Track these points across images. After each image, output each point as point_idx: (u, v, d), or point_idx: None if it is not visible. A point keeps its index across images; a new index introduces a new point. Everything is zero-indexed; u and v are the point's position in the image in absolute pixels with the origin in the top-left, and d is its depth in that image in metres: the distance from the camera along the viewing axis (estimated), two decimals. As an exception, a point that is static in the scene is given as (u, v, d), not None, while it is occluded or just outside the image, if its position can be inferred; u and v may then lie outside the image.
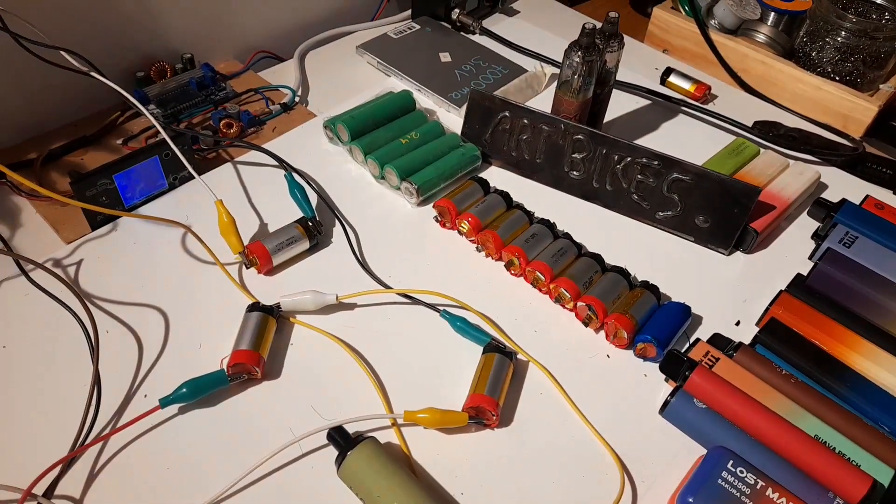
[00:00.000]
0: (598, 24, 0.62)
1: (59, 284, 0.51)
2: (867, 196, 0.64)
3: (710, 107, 0.79)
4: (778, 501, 0.40)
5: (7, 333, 0.50)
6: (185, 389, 0.46)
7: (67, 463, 0.43)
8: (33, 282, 0.53)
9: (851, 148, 0.73)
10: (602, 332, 0.54)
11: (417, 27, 0.84)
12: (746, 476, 0.41)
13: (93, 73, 0.57)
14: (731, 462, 0.42)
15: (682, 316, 0.53)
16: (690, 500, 0.41)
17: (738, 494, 0.40)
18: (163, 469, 0.44)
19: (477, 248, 0.60)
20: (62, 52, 0.56)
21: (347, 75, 0.79)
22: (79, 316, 0.49)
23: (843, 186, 0.69)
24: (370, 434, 0.45)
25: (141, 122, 0.68)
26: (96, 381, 0.46)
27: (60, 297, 0.52)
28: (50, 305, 0.52)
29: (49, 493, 0.42)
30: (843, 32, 0.77)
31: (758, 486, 0.41)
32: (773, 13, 0.85)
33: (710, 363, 0.48)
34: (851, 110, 0.77)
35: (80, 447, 0.44)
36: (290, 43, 0.82)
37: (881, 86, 0.79)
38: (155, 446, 0.45)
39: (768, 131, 0.74)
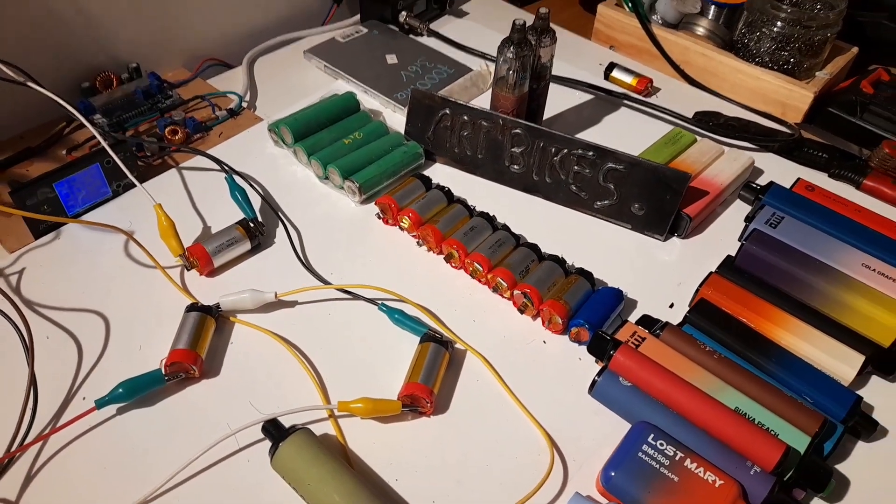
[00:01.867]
0: (530, 21, 0.63)
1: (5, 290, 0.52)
2: (798, 179, 0.66)
3: (652, 99, 0.81)
4: (696, 471, 0.41)
5: (-53, 342, 0.51)
6: (121, 390, 0.47)
7: (3, 465, 0.44)
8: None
9: (787, 134, 0.75)
10: (538, 319, 0.55)
11: (365, 30, 0.85)
12: (666, 448, 0.42)
13: (29, 84, 0.58)
14: (651, 436, 0.43)
15: (615, 300, 0.55)
16: (612, 473, 0.42)
17: (657, 466, 0.42)
18: (100, 468, 0.45)
19: (418, 242, 0.61)
20: (-2, 64, 0.57)
21: (295, 80, 0.80)
22: (13, 320, 0.50)
23: (780, 171, 0.71)
24: (307, 427, 0.46)
25: (86, 133, 0.69)
26: (32, 383, 0.47)
27: (3, 304, 0.52)
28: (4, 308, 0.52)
29: (-17, 494, 0.43)
30: (779, 23, 0.79)
31: (677, 458, 0.42)
32: (712, 7, 0.87)
33: (637, 343, 0.49)
34: (789, 98, 0.79)
35: (17, 448, 0.44)
36: (239, 50, 0.83)
37: (817, 73, 0.81)
38: (93, 447, 0.46)
39: (708, 121, 0.76)
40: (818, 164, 0.72)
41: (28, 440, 0.45)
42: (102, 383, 0.49)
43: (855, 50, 0.85)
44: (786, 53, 0.80)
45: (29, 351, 0.48)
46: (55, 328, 0.52)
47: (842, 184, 0.70)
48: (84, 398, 0.48)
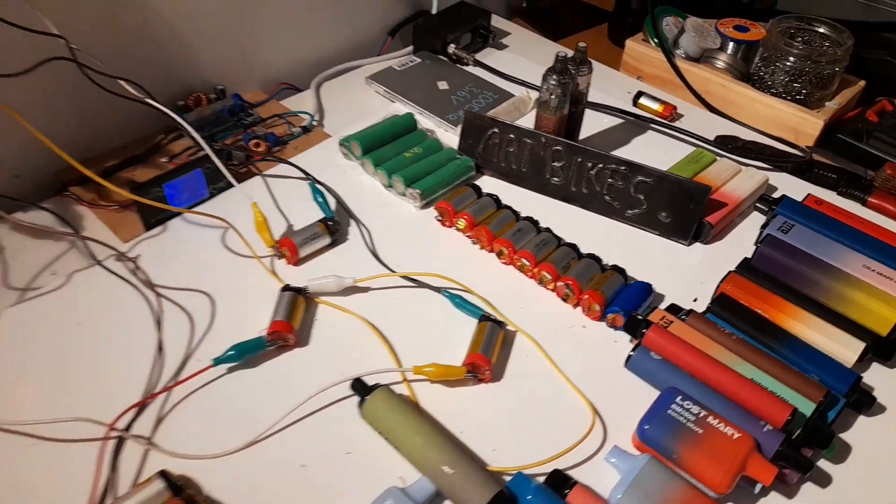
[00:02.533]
0: (570, 53, 0.73)
1: (123, 273, 0.61)
2: (808, 194, 0.74)
3: (676, 124, 0.90)
4: (717, 426, 0.49)
5: (80, 313, 0.60)
6: (232, 351, 0.56)
7: (140, 408, 0.53)
8: (108, 269, 0.63)
9: (800, 156, 0.83)
10: (578, 308, 0.64)
11: (418, 60, 0.96)
12: (692, 408, 0.51)
13: (148, 101, 0.68)
14: (679, 397, 0.51)
15: (645, 292, 0.63)
16: (646, 427, 0.50)
17: (684, 421, 0.50)
18: (214, 415, 0.54)
19: (472, 241, 0.70)
20: (121, 82, 0.68)
21: (357, 102, 0.90)
22: (145, 295, 0.59)
23: (792, 189, 0.79)
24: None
25: (182, 144, 0.79)
26: (160, 349, 0.57)
27: (122, 284, 0.62)
28: (117, 289, 0.62)
29: (127, 429, 0.52)
30: (792, 58, 0.88)
31: (701, 415, 0.50)
32: (731, 43, 0.96)
33: (666, 325, 0.57)
34: (801, 125, 0.88)
35: (149, 395, 0.53)
36: (307, 76, 0.93)
37: (827, 103, 0.90)
38: (208, 398, 0.55)
39: (727, 144, 0.85)
40: (827, 184, 0.81)
41: (156, 390, 0.54)
42: (212, 349, 0.58)
43: (862, 83, 0.94)
44: (798, 85, 0.89)
45: (158, 322, 0.57)
46: (169, 304, 0.62)
47: (849, 201, 0.79)
48: (198, 360, 0.57)
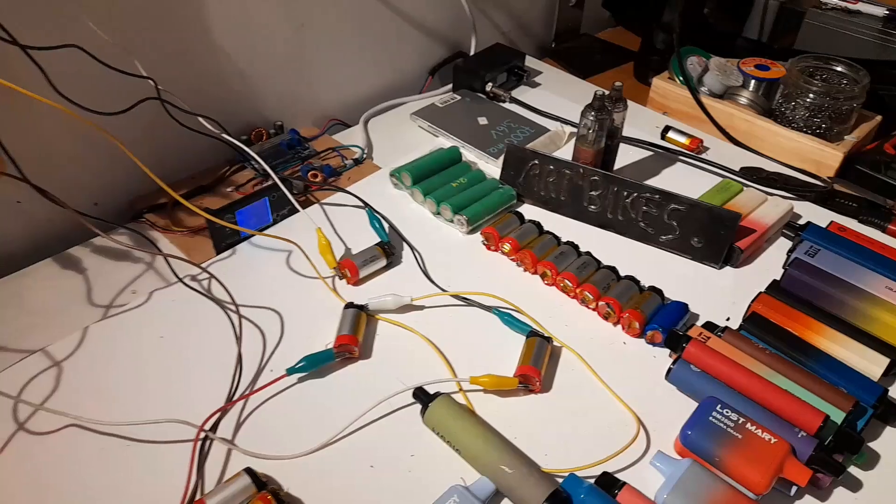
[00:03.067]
0: (607, 91, 0.79)
1: (200, 291, 0.67)
2: (831, 221, 0.79)
3: (703, 156, 0.95)
4: (755, 431, 0.54)
5: (162, 327, 0.66)
6: (304, 362, 0.61)
7: (222, 412, 0.58)
8: (188, 286, 0.70)
9: (822, 186, 0.88)
10: (619, 326, 0.69)
11: (458, 98, 1.03)
12: (731, 415, 0.55)
13: (224, 136, 0.75)
14: (719, 406, 0.56)
15: (682, 311, 0.68)
16: (689, 432, 0.55)
17: (724, 427, 0.54)
18: (288, 420, 0.59)
19: (517, 264, 0.75)
20: (200, 119, 0.75)
21: (403, 137, 0.97)
22: (227, 311, 0.65)
23: (816, 217, 0.84)
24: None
25: (245, 175, 0.86)
26: (239, 360, 0.62)
27: (200, 302, 0.68)
28: (195, 306, 0.68)
29: (213, 430, 0.57)
30: (811, 95, 0.94)
31: (740, 422, 0.54)
32: (753, 81, 1.02)
33: (703, 340, 0.62)
34: (822, 157, 0.93)
35: (230, 402, 0.59)
36: (355, 112, 1.00)
37: (846, 137, 0.95)
38: (281, 404, 0.60)
39: (752, 175, 0.90)
40: (849, 212, 0.85)
41: (235, 398, 0.60)
42: (284, 361, 0.63)
43: (879, 118, 0.99)
44: (818, 120, 0.94)
45: (238, 337, 0.63)
46: (244, 320, 0.67)
47: (870, 228, 0.83)
48: (272, 370, 0.63)
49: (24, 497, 0.53)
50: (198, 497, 0.52)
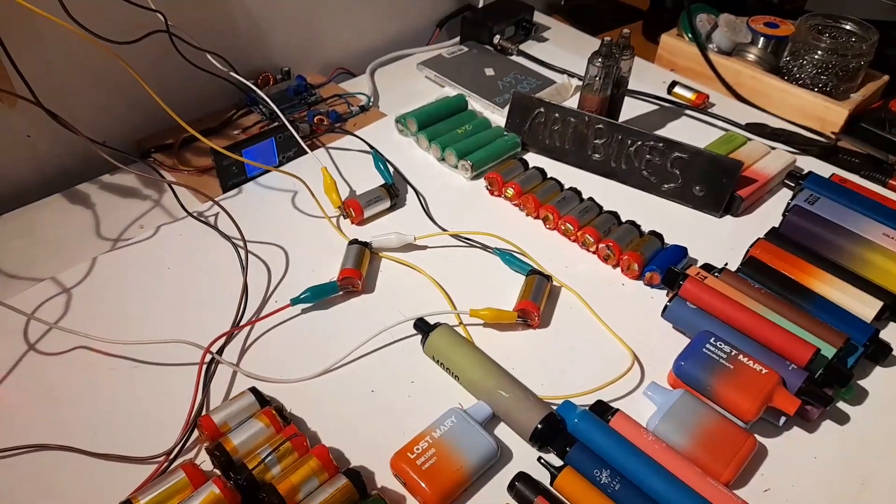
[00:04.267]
0: (615, 40, 0.79)
1: (206, 225, 0.68)
2: (833, 174, 0.80)
3: (709, 111, 0.95)
4: (747, 362, 0.55)
5: (169, 259, 0.68)
6: (308, 293, 0.62)
7: (228, 336, 0.60)
8: (197, 218, 0.71)
9: (825, 142, 0.88)
10: (618, 268, 0.70)
11: (466, 49, 1.03)
12: (724, 347, 0.56)
13: (232, 74, 0.76)
14: (713, 338, 0.57)
15: (681, 254, 0.69)
16: (682, 363, 0.56)
17: (717, 358, 0.55)
18: (291, 348, 0.60)
19: (519, 209, 0.76)
20: (209, 56, 0.75)
21: (409, 86, 0.97)
22: (234, 244, 0.67)
23: (819, 171, 0.84)
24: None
25: (251, 119, 0.86)
26: (244, 289, 0.64)
27: (207, 235, 0.69)
28: (202, 239, 0.69)
29: (219, 353, 0.58)
30: (819, 52, 0.94)
31: (732, 353, 0.56)
32: (761, 38, 1.01)
33: (701, 279, 0.63)
34: (827, 114, 0.93)
35: (236, 327, 0.60)
36: (362, 62, 1.00)
37: (852, 95, 0.95)
38: (285, 333, 0.62)
39: (757, 130, 0.90)
40: (851, 167, 0.86)
41: (241, 323, 0.61)
42: (287, 292, 0.64)
43: (886, 78, 0.99)
44: (825, 77, 0.94)
45: (244, 268, 0.65)
46: (249, 255, 0.68)
47: (871, 183, 0.83)
48: (276, 301, 0.64)
49: (35, 413, 0.55)
50: (203, 414, 0.54)
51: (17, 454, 0.52)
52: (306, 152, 0.77)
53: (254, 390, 0.54)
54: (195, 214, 0.72)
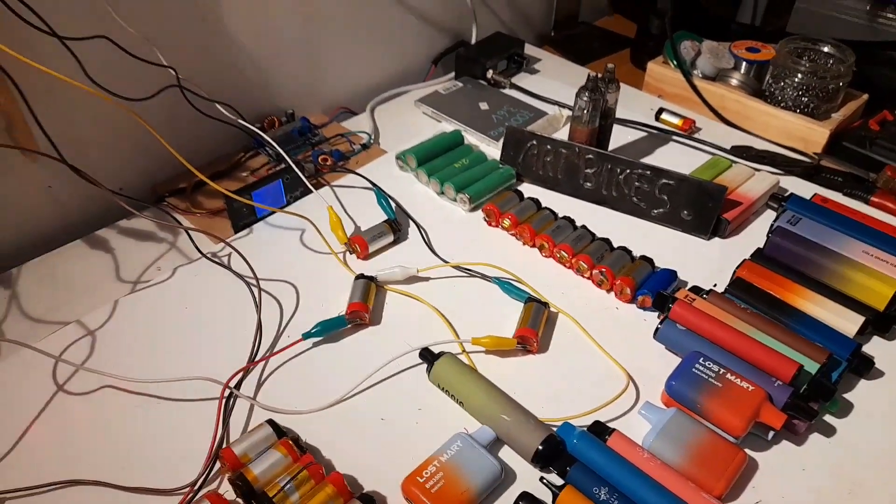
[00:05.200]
0: (600, 74, 0.84)
1: (220, 266, 0.73)
2: (815, 194, 0.83)
3: (695, 136, 0.99)
4: (735, 380, 0.58)
5: (186, 299, 0.72)
6: (318, 327, 0.66)
7: (245, 372, 0.63)
8: (211, 260, 0.75)
9: (808, 162, 0.92)
10: (612, 293, 0.73)
11: (461, 85, 1.07)
12: (713, 367, 0.59)
13: (240, 122, 0.80)
14: (702, 359, 0.60)
15: (671, 277, 0.72)
16: (673, 382, 0.59)
17: (706, 377, 0.59)
18: (303, 380, 0.64)
19: (516, 238, 0.80)
20: (218, 106, 0.80)
21: (408, 123, 1.01)
22: (247, 283, 0.71)
23: (802, 191, 0.88)
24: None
25: (259, 161, 0.91)
26: (259, 326, 0.67)
27: (221, 275, 0.73)
28: (216, 279, 0.73)
29: (237, 387, 0.62)
30: (799, 75, 0.98)
31: (720, 372, 0.59)
32: (744, 63, 1.06)
33: (689, 301, 0.66)
34: (809, 135, 0.97)
35: (252, 362, 0.64)
36: (362, 100, 1.05)
37: (832, 115, 0.99)
38: (298, 366, 0.65)
39: (742, 153, 0.94)
40: (834, 185, 0.89)
41: (256, 359, 0.65)
42: (299, 327, 0.68)
43: (865, 96, 1.03)
44: (806, 99, 0.98)
45: (258, 306, 0.69)
46: (262, 292, 0.72)
47: (854, 201, 0.87)
48: (289, 336, 0.68)
49: (66, 451, 0.58)
50: (224, 446, 0.58)
51: (53, 489, 0.55)
52: (312, 191, 0.81)
53: (271, 422, 0.57)
54: (209, 255, 0.76)
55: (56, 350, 0.66)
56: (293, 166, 0.79)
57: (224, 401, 0.61)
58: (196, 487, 0.54)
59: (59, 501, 0.55)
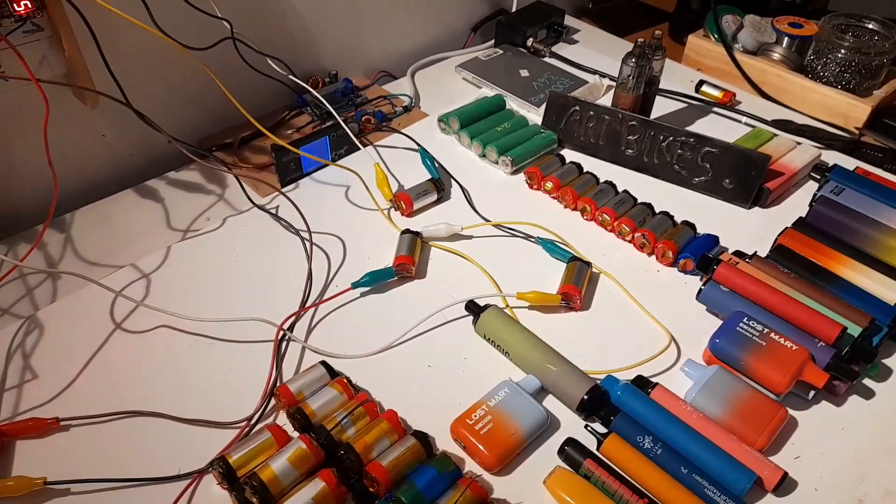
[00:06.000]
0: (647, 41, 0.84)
1: (269, 217, 0.74)
2: (857, 167, 0.83)
3: (736, 108, 0.99)
4: (778, 340, 0.59)
5: (237, 247, 0.73)
6: (367, 277, 0.68)
7: (297, 317, 0.65)
8: (263, 209, 0.77)
9: (849, 137, 0.92)
10: (653, 256, 0.74)
11: (501, 52, 1.08)
12: (756, 326, 0.60)
13: (291, 77, 0.81)
14: (746, 318, 0.61)
15: (713, 242, 0.73)
16: (717, 340, 0.60)
17: (750, 336, 0.60)
18: (353, 327, 0.66)
19: (558, 201, 0.81)
20: (269, 61, 0.81)
21: (448, 88, 1.02)
22: (297, 233, 0.72)
23: (842, 165, 0.88)
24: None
25: (302, 119, 0.92)
26: (309, 275, 0.69)
27: (271, 226, 0.75)
28: (266, 230, 0.75)
29: (290, 330, 0.64)
30: (842, 51, 0.97)
31: (764, 331, 0.60)
32: (786, 38, 1.05)
33: (733, 264, 0.67)
34: (850, 111, 0.97)
35: (303, 307, 0.66)
36: (402, 65, 1.06)
37: (875, 92, 0.98)
38: (347, 314, 0.67)
39: (782, 127, 0.94)
40: (874, 161, 0.89)
41: (307, 305, 0.67)
42: (347, 278, 0.70)
43: (909, 74, 1.02)
44: (848, 75, 0.98)
45: (309, 256, 0.70)
46: (309, 244, 0.74)
47: (894, 176, 0.87)
48: (337, 286, 0.69)
49: (125, 385, 0.60)
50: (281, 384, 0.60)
51: (114, 419, 0.57)
52: (358, 149, 0.83)
53: (324, 363, 0.59)
54: (263, 206, 0.78)
55: (115, 288, 0.68)
56: (341, 123, 0.80)
57: (277, 342, 0.63)
58: (253, 422, 0.56)
59: (120, 431, 0.57)
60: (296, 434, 0.54)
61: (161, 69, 0.80)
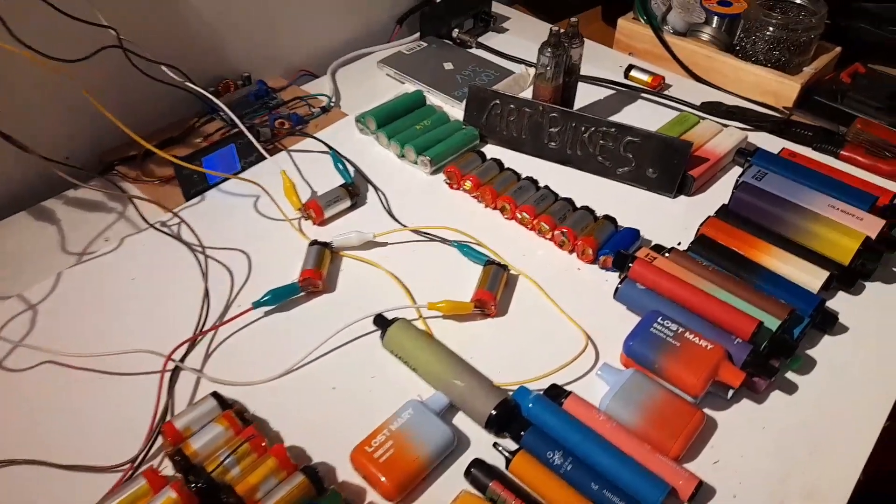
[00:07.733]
0: (563, 29, 0.80)
1: (169, 235, 0.70)
2: (783, 148, 0.81)
3: (664, 93, 0.96)
4: (693, 339, 0.57)
5: (133, 270, 0.69)
6: (269, 295, 0.64)
7: (192, 343, 0.61)
8: (159, 230, 0.72)
9: (778, 116, 0.90)
10: (573, 254, 0.71)
11: (425, 45, 1.04)
12: (671, 325, 0.58)
13: (188, 85, 0.77)
14: (660, 318, 0.59)
15: (633, 237, 0.70)
16: (631, 343, 0.58)
17: (664, 337, 0.57)
18: (255, 350, 0.62)
19: (478, 200, 0.78)
20: (164, 68, 0.76)
21: (370, 85, 0.98)
22: (195, 253, 0.68)
23: (771, 146, 0.86)
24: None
25: (213, 126, 0.87)
26: (206, 295, 0.65)
27: (170, 245, 0.71)
28: (165, 250, 0.71)
29: (182, 359, 0.60)
30: (771, 28, 0.95)
31: (679, 331, 0.57)
32: (715, 17, 1.03)
33: (650, 260, 0.64)
34: (780, 89, 0.95)
35: (198, 333, 0.62)
36: (323, 62, 1.01)
37: (805, 68, 0.96)
38: (248, 336, 0.63)
39: (711, 109, 0.92)
40: (803, 140, 0.87)
41: (204, 329, 0.63)
42: (251, 296, 0.66)
43: (838, 49, 1.00)
44: (777, 52, 0.96)
45: (205, 274, 0.66)
46: (212, 261, 0.70)
47: (823, 155, 0.85)
48: (239, 305, 0.65)
49: (4, 428, 0.56)
50: (167, 420, 0.56)
51: (-12, 469, 0.53)
52: (266, 157, 0.78)
53: (215, 394, 0.55)
54: (157, 225, 0.73)
55: (-5, 325, 0.63)
56: (244, 130, 0.76)
57: (168, 373, 0.59)
58: (136, 464, 0.53)
59: (-4, 480, 0.53)
60: (179, 476, 0.50)
61: (44, 85, 0.75)
